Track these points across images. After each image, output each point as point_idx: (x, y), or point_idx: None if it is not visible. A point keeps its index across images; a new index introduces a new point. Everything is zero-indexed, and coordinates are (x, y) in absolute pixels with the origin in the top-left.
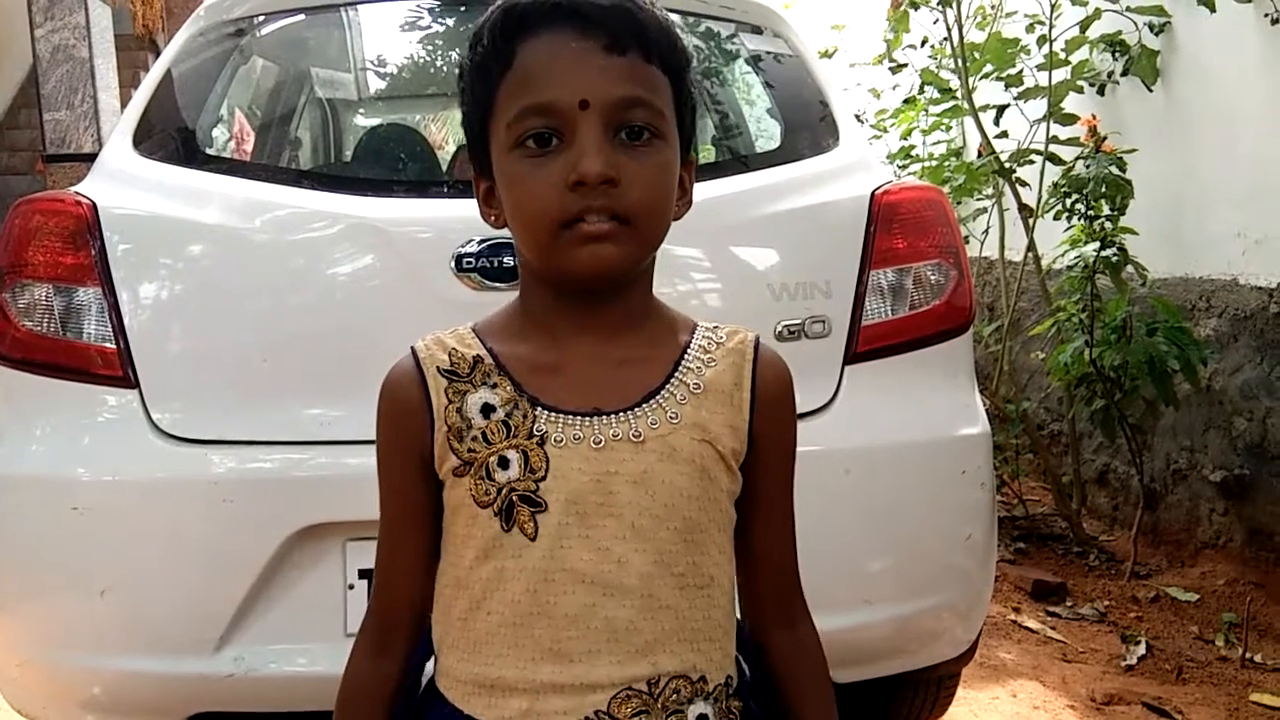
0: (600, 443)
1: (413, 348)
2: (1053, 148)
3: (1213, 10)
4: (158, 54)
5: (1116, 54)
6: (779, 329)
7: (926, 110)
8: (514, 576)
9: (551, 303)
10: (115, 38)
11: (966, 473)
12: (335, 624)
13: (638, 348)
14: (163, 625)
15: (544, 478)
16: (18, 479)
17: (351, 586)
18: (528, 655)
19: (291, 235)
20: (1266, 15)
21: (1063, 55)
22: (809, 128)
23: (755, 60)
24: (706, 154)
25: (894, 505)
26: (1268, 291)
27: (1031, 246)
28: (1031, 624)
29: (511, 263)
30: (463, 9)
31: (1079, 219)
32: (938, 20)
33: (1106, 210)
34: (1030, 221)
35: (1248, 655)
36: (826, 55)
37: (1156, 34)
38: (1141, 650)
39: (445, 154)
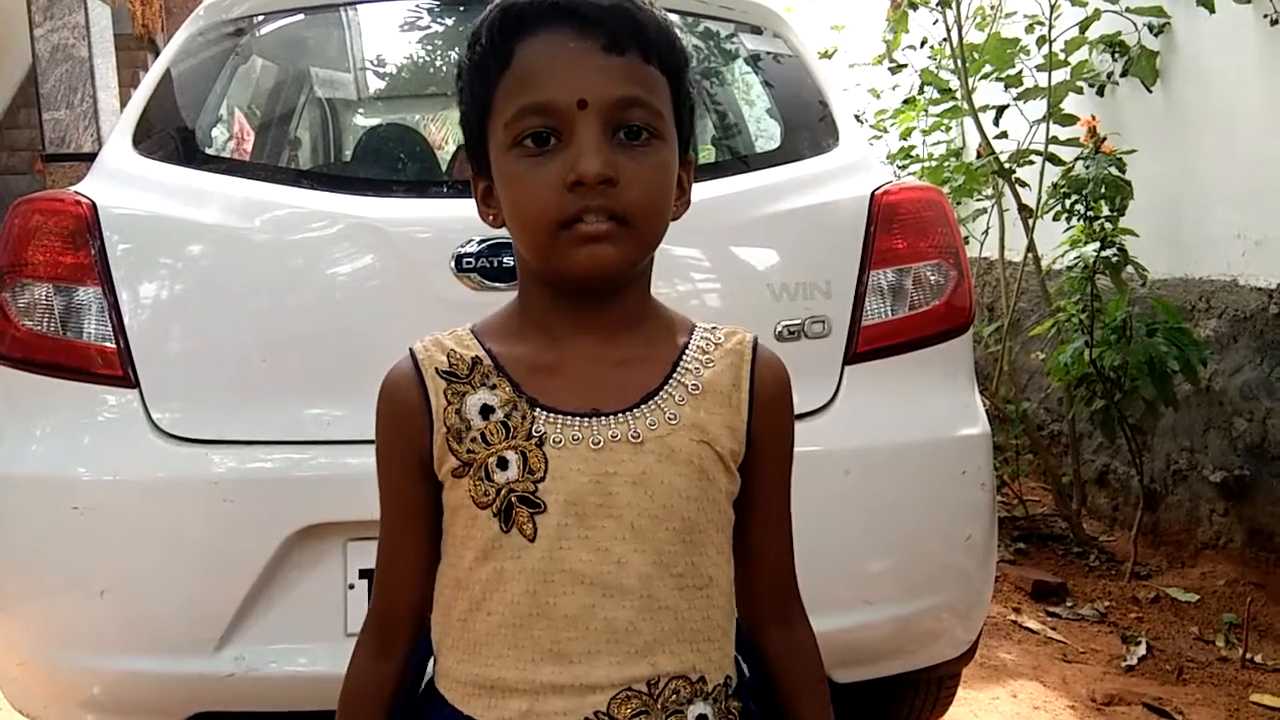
0: (599, 443)
1: (411, 349)
2: (1052, 148)
3: (1212, 11)
4: (157, 54)
5: (1116, 55)
6: (779, 329)
7: (926, 111)
8: (513, 577)
9: (550, 303)
10: (115, 37)
11: (966, 473)
12: (335, 624)
13: (636, 348)
14: (163, 625)
15: (543, 479)
16: (18, 479)
17: (352, 586)
18: (527, 656)
19: (291, 235)
20: (1266, 16)
21: (1062, 56)
22: (809, 128)
23: (755, 60)
24: (706, 154)
25: (894, 505)
26: (1267, 292)
27: (1031, 247)
28: (1032, 624)
29: (511, 263)
30: (462, 9)
31: (1079, 219)
32: (937, 21)
33: (1106, 211)
34: (1030, 222)
35: (1248, 656)
36: (826, 56)
37: (1156, 35)
38: (1142, 651)
39: (445, 154)
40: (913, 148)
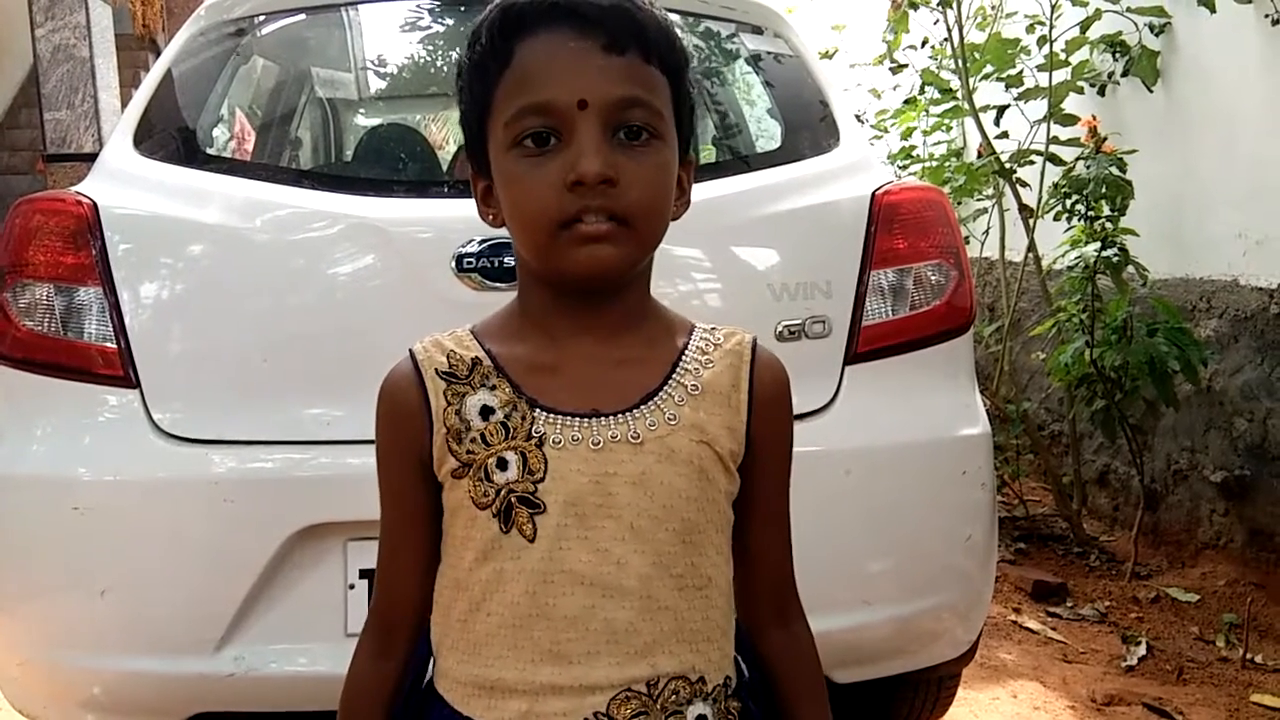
0: (599, 444)
1: (411, 350)
2: (1053, 148)
3: (1213, 11)
4: (158, 54)
5: (1117, 54)
6: (779, 329)
7: (927, 111)
8: (513, 578)
9: (549, 303)
10: (115, 37)
11: (967, 473)
12: (336, 624)
13: (635, 348)
14: (163, 625)
15: (542, 479)
16: (18, 479)
17: (352, 586)
18: (527, 657)
19: (292, 235)
20: (1267, 16)
21: (1063, 56)
22: (809, 128)
23: (755, 60)
24: (707, 154)
25: (894, 506)
26: (1268, 292)
27: (1032, 247)
28: (1032, 624)
29: (511, 263)
30: (463, 9)
31: (1079, 219)
32: (938, 21)
33: (1107, 211)
34: (1030, 222)
35: (1248, 656)
36: (827, 56)
37: (1157, 35)
38: (1142, 651)
39: (445, 154)
40: (913, 148)
